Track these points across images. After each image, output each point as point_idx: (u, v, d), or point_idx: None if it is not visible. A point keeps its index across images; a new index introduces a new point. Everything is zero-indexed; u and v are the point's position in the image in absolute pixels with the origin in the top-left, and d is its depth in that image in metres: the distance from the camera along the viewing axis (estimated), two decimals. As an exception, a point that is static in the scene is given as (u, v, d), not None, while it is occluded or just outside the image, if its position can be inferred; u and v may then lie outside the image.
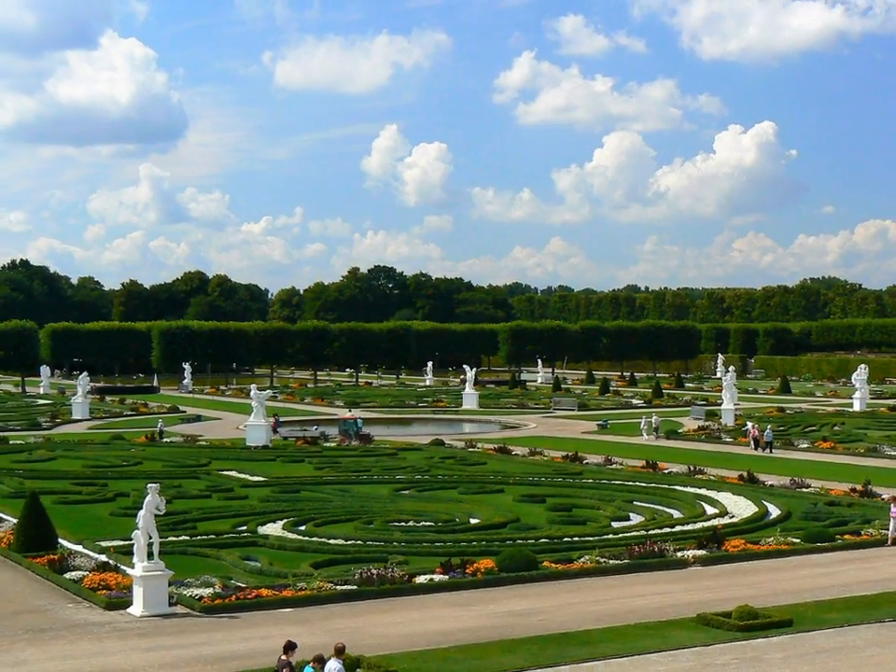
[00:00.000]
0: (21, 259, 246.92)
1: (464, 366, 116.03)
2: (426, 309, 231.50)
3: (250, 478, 53.86)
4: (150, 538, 29.38)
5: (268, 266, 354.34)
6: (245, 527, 40.35)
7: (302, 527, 40.18)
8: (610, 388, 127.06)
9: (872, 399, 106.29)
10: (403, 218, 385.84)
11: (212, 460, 60.73)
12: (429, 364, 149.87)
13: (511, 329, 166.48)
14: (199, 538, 38.43)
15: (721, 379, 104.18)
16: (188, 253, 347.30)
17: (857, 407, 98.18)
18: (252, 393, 72.10)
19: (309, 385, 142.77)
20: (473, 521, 42.14)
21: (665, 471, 55.42)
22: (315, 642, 23.78)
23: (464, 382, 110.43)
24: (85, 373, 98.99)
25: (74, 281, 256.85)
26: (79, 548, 36.55)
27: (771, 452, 65.71)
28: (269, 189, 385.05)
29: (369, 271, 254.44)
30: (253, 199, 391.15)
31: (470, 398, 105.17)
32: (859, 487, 48.01)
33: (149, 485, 30.56)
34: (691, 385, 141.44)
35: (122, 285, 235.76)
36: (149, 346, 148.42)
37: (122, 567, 32.28)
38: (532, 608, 29.78)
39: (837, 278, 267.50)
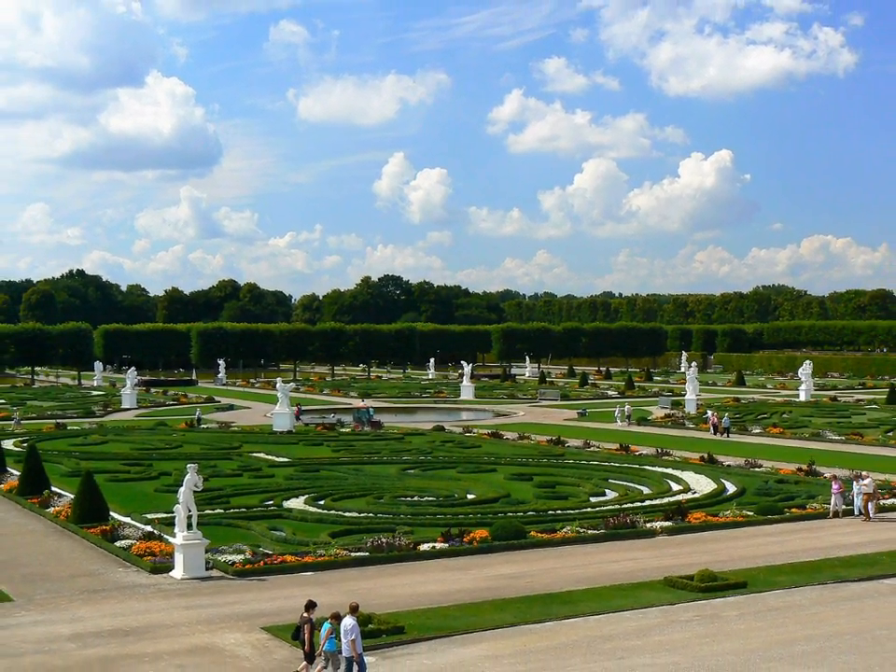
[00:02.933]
0: (78, 270, 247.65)
1: (461, 362, 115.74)
2: (428, 312, 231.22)
3: (276, 459, 53.77)
4: (189, 511, 29.35)
5: (292, 275, 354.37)
6: (271, 502, 40.29)
7: (321, 502, 40.08)
8: (589, 381, 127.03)
9: (815, 390, 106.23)
10: (409, 234, 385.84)
11: (243, 444, 60.70)
12: (431, 360, 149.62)
13: (502, 330, 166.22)
14: (231, 511, 38.41)
15: (684, 373, 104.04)
16: (222, 264, 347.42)
17: (803, 398, 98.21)
18: (278, 385, 72.04)
19: (327, 379, 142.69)
20: (470, 496, 42.11)
21: (637, 453, 55.38)
22: (333, 601, 23.75)
23: (462, 376, 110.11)
24: (133, 368, 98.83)
25: (123, 288, 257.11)
26: (128, 520, 36.50)
27: (728, 436, 65.56)
28: (292, 209, 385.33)
29: (379, 279, 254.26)
30: (279, 217, 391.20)
31: (467, 389, 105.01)
32: (804, 467, 47.97)
33: (189, 465, 30.46)
34: (658, 378, 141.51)
35: (165, 291, 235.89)
36: (189, 345, 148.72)
37: (165, 536, 32.21)
38: (521, 572, 29.74)
39: (786, 286, 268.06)
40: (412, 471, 49.45)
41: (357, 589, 27.21)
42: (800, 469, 47.76)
